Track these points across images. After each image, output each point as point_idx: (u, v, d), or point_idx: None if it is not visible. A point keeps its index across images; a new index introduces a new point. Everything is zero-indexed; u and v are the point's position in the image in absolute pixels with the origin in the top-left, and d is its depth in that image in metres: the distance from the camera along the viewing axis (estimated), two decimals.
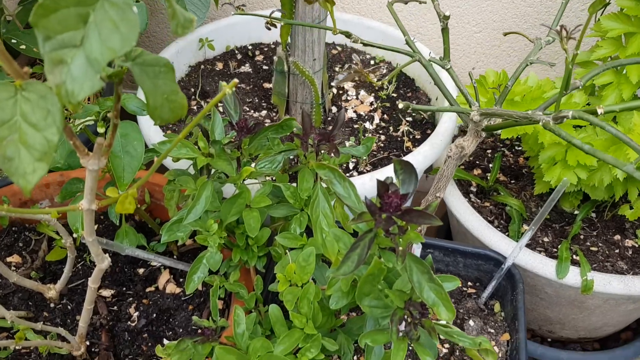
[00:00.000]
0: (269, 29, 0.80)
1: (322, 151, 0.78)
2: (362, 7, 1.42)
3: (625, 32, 1.01)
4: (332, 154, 0.74)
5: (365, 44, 0.72)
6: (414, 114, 1.25)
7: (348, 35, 0.72)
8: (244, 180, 0.74)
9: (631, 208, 1.08)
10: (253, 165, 0.80)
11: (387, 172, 1.02)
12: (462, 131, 1.35)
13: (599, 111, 0.57)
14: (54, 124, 0.40)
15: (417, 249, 0.70)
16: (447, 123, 1.11)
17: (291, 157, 0.81)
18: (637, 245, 1.11)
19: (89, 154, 0.52)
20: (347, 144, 1.16)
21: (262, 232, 0.79)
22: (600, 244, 1.11)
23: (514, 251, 0.93)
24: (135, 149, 0.71)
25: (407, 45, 0.76)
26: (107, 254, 0.68)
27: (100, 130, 0.75)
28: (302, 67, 1.10)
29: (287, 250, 0.75)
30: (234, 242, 0.80)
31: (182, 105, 0.46)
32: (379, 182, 0.55)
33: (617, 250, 1.10)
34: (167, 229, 0.75)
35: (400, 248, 0.55)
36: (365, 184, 0.99)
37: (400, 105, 0.63)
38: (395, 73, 0.70)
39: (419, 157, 1.05)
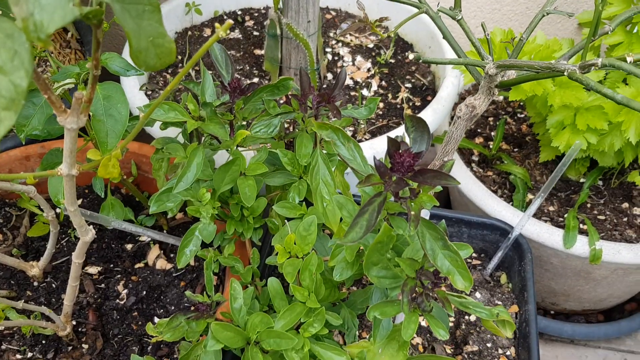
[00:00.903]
0: (256, 13, 0.73)
1: (322, 114, 0.73)
2: None
3: None
4: (333, 117, 0.69)
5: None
6: (413, 80, 1.20)
7: None
8: (238, 145, 0.68)
9: None
10: (248, 129, 0.74)
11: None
12: (462, 99, 1.30)
13: (629, 59, 0.52)
14: (21, 66, 0.34)
15: (426, 214, 0.65)
16: (449, 88, 1.06)
17: (287, 121, 0.75)
18: None
19: (66, 111, 0.46)
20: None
21: (258, 202, 0.74)
22: (608, 212, 1.07)
23: (522, 220, 0.89)
24: (119, 112, 0.65)
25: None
26: (91, 226, 0.63)
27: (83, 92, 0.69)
28: (295, 29, 1.04)
29: (285, 221, 0.70)
30: (228, 213, 0.75)
31: (169, 50, 0.41)
32: (389, 139, 0.50)
33: (625, 219, 1.06)
34: (156, 199, 0.69)
35: (413, 213, 0.50)
36: (366, 152, 0.94)
37: (411, 57, 0.58)
38: (401, 24, 0.65)
39: (422, 122, 1.00)
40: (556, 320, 1.20)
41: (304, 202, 0.72)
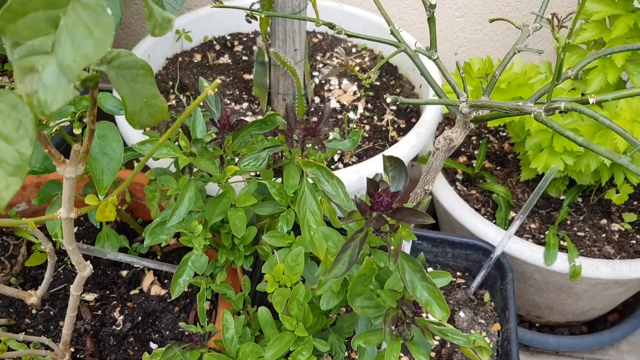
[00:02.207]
0: (249, 22, 0.77)
1: (308, 146, 0.76)
2: None
3: (609, 14, 1.00)
4: (318, 149, 0.72)
5: (349, 35, 0.69)
6: (398, 103, 1.23)
7: (332, 26, 0.69)
8: (228, 179, 0.72)
9: (617, 192, 1.08)
10: (237, 162, 0.78)
11: (373, 163, 1.00)
12: (446, 118, 1.34)
13: (591, 100, 0.56)
14: (26, 135, 0.37)
15: (407, 245, 0.69)
16: (432, 111, 1.10)
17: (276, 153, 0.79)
18: (623, 229, 1.11)
19: (65, 162, 0.50)
20: (331, 135, 1.14)
21: (249, 230, 0.77)
22: (587, 229, 1.11)
23: (503, 240, 0.93)
24: (114, 151, 0.68)
25: (391, 35, 0.74)
26: (88, 261, 0.66)
27: (77, 131, 0.72)
28: (283, 57, 1.08)
29: (274, 250, 0.73)
30: (220, 242, 0.78)
31: (162, 109, 0.44)
32: (368, 180, 0.53)
33: (604, 235, 1.10)
34: (149, 232, 0.72)
35: (392, 247, 0.54)
36: (352, 177, 0.98)
37: (389, 100, 0.61)
38: (380, 65, 0.68)
39: (405, 148, 1.04)
40: (541, 333, 1.24)
41: (292, 231, 0.76)
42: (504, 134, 1.31)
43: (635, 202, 1.16)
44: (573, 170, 1.02)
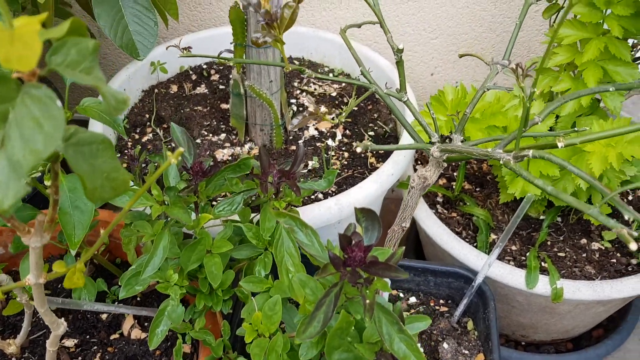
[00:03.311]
0: (222, 67, 0.76)
1: (283, 187, 0.76)
2: (317, 19, 1.40)
3: (580, 38, 1.01)
4: (294, 192, 0.72)
5: (319, 78, 0.69)
6: (376, 128, 1.24)
7: (302, 71, 0.69)
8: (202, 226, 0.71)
9: None
10: (213, 204, 0.77)
11: (353, 193, 1.00)
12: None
13: (559, 145, 0.56)
14: None
15: (384, 299, 0.68)
16: (410, 139, 1.10)
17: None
18: (603, 248, 1.12)
19: (29, 232, 0.49)
20: (310, 164, 1.14)
21: (226, 275, 0.76)
22: (567, 249, 1.12)
23: (484, 268, 0.93)
24: (85, 204, 0.67)
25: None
26: (62, 319, 0.65)
27: (48, 182, 0.71)
28: (258, 89, 1.07)
29: (252, 296, 0.72)
30: (197, 287, 0.77)
31: (124, 182, 0.43)
32: (341, 236, 0.53)
33: (584, 255, 1.11)
34: (125, 283, 0.71)
35: (368, 301, 0.53)
36: (331, 208, 0.97)
37: (359, 149, 0.61)
38: (352, 106, 0.68)
39: (383, 176, 1.03)
40: (527, 353, 1.24)
41: (270, 274, 0.75)
42: None
43: (614, 220, 1.16)
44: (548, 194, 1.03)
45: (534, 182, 0.52)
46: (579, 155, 0.97)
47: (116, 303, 0.86)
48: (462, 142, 0.72)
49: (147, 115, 1.24)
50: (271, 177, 0.73)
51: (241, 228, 0.77)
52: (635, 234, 0.46)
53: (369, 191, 1.01)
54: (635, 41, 1.07)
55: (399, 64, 0.68)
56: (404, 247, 0.61)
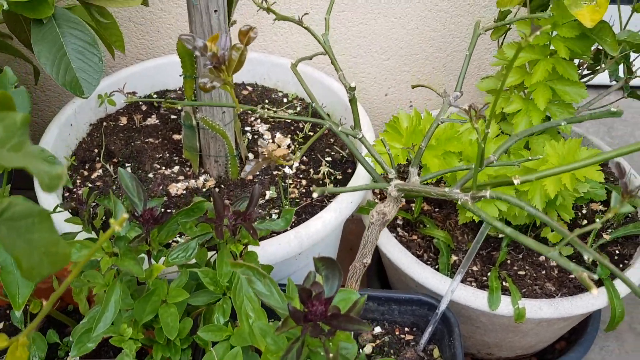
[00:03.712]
0: (173, 96, 0.74)
1: (240, 228, 0.73)
2: (269, 43, 1.38)
3: (529, 60, 1.02)
4: (251, 234, 0.70)
5: (271, 117, 0.68)
6: (333, 153, 1.23)
7: (253, 110, 0.67)
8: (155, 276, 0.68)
9: (552, 230, 1.10)
10: (168, 251, 0.74)
11: (312, 225, 0.98)
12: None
13: (515, 182, 0.56)
14: None
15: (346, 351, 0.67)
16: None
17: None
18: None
19: None
20: (267, 194, 1.11)
21: (184, 323, 0.73)
22: (527, 267, 1.13)
23: (447, 295, 0.92)
24: None
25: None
26: None
27: None
28: (211, 121, 1.05)
29: (211, 346, 0.70)
30: (154, 337, 0.74)
31: (64, 256, 0.40)
32: (300, 290, 0.51)
33: (543, 272, 1.12)
34: (76, 341, 0.67)
35: (331, 355, 0.52)
36: (291, 242, 0.95)
37: (315, 195, 0.60)
38: (307, 146, 0.67)
39: (343, 204, 1.02)
40: None
41: (230, 321, 0.73)
42: None
43: (574, 262, 1.18)
44: (507, 214, 1.03)
45: (493, 224, 0.51)
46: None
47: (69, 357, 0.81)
48: (419, 174, 0.71)
49: (96, 150, 1.20)
50: (227, 219, 0.71)
51: (197, 274, 0.74)
52: (595, 276, 0.45)
53: (328, 221, 0.99)
54: (581, 60, 1.10)
55: (352, 101, 0.67)
56: (365, 296, 0.59)
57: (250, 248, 0.77)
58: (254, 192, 0.71)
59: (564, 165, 0.54)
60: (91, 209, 0.96)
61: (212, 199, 0.70)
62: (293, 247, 0.95)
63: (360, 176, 1.07)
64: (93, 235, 0.81)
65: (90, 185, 1.12)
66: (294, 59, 1.36)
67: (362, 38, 1.36)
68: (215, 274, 0.72)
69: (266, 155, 0.59)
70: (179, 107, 1.11)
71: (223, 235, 0.69)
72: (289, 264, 1.02)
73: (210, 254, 0.82)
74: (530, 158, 0.71)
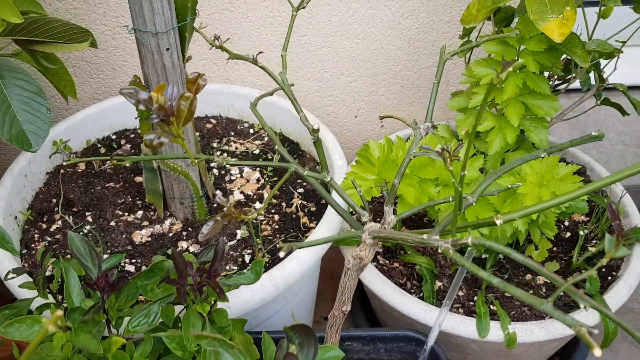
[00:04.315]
0: (133, 134, 0.68)
1: (205, 288, 0.68)
2: (230, 74, 1.33)
3: None
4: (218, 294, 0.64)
5: (231, 165, 0.63)
6: (305, 183, 1.18)
7: (211, 159, 0.62)
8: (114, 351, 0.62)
9: (537, 248, 1.06)
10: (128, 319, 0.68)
11: (287, 265, 0.93)
12: None
13: (497, 222, 0.51)
14: None
15: None
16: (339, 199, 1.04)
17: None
18: (548, 282, 1.10)
19: None
20: (238, 233, 1.06)
21: None
22: None
23: (434, 329, 0.88)
24: None
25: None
26: None
27: None
28: (172, 164, 0.99)
29: None
30: None
31: None
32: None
33: (531, 291, 1.08)
34: None
35: None
36: (265, 286, 0.90)
37: (282, 253, 0.54)
38: (271, 194, 0.62)
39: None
40: None
41: None
42: None
43: (555, 249, 1.15)
44: (490, 237, 0.99)
45: (479, 274, 0.47)
46: (513, 197, 0.94)
47: None
48: (394, 211, 0.67)
49: (54, 200, 1.13)
50: (190, 279, 0.65)
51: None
52: (596, 331, 0.41)
53: (304, 260, 0.94)
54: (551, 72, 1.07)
55: (317, 144, 0.62)
56: (344, 355, 0.54)
57: (221, 304, 0.72)
58: (217, 246, 0.66)
59: (549, 201, 0.50)
60: (47, 270, 0.89)
61: (172, 258, 0.64)
62: (268, 292, 0.90)
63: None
64: (51, 300, 0.75)
65: (49, 238, 1.06)
66: (258, 88, 1.32)
67: (326, 61, 1.32)
68: (182, 337, 0.66)
69: (225, 212, 0.54)
70: (130, 159, 1.05)
71: (186, 297, 0.63)
72: (266, 308, 0.97)
73: (180, 307, 0.76)
74: (509, 186, 0.68)
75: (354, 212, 0.68)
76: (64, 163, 0.60)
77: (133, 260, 1.01)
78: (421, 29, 1.29)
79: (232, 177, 1.18)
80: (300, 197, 1.15)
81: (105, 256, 1.02)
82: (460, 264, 0.48)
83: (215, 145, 1.26)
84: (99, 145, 1.25)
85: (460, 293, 1.09)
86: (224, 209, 0.54)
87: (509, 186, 0.65)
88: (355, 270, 0.67)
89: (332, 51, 1.30)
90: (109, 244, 1.04)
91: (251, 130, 1.31)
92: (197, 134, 1.28)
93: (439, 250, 0.50)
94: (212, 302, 0.69)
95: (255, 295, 0.89)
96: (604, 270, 1.12)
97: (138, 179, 1.18)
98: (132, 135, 1.28)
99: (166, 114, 0.54)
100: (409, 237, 0.53)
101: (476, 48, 1.21)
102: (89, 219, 1.09)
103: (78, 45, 0.91)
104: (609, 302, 1.02)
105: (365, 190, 0.84)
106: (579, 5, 0.95)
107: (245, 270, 0.70)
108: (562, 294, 1.07)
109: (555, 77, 1.08)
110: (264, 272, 0.92)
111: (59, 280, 0.78)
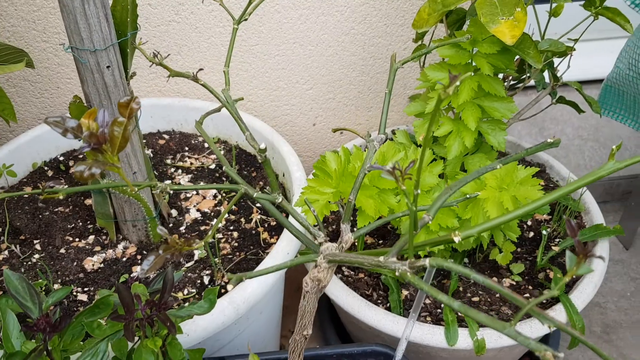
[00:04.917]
0: (82, 155, 0.64)
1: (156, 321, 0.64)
2: (182, 87, 1.29)
3: None
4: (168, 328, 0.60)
5: (176, 190, 0.59)
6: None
7: (152, 186, 0.58)
8: None
9: (500, 252, 1.05)
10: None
11: (248, 286, 0.89)
12: None
13: (456, 239, 0.49)
14: None
15: None
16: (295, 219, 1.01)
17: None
18: (514, 283, 1.09)
19: None
20: (196, 254, 1.02)
21: None
22: (480, 292, 1.08)
23: (401, 344, 0.85)
24: None
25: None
26: None
27: None
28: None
29: None
30: None
31: None
32: None
33: (497, 295, 1.07)
34: None
35: None
36: (225, 310, 0.86)
37: (230, 287, 0.51)
38: (219, 222, 0.58)
39: (279, 257, 0.94)
40: None
41: None
42: None
43: (519, 249, 1.14)
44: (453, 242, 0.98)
45: (437, 297, 0.44)
46: (474, 203, 0.92)
47: None
48: (352, 229, 0.64)
49: (0, 229, 1.07)
50: (139, 312, 0.61)
51: None
52: (561, 354, 0.39)
53: (266, 279, 0.91)
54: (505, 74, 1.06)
55: (265, 163, 0.59)
56: (307, 338, 0.51)
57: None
58: (166, 277, 0.62)
59: (513, 212, 0.48)
60: None
61: (117, 292, 0.60)
62: (229, 316, 0.86)
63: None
64: None
65: None
66: (211, 100, 1.28)
67: (281, 70, 1.29)
68: None
69: (168, 245, 0.50)
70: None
71: (134, 334, 0.59)
72: (228, 332, 0.93)
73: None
74: (467, 196, 0.66)
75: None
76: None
77: (85, 289, 0.96)
78: (374, 34, 1.27)
79: (188, 195, 1.14)
80: (259, 211, 1.11)
81: (55, 286, 0.97)
82: (418, 287, 0.46)
83: (169, 161, 1.22)
84: (45, 168, 1.19)
85: (427, 301, 1.07)
86: (167, 239, 0.51)
87: (467, 196, 0.63)
88: (314, 292, 0.64)
89: (285, 59, 1.27)
90: (59, 272, 0.99)
91: (206, 145, 1.27)
92: (149, 150, 1.23)
93: (397, 274, 0.47)
94: (165, 334, 0.65)
95: (215, 320, 0.85)
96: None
97: (88, 201, 1.12)
98: (81, 156, 1.23)
99: (98, 141, 0.50)
100: (365, 259, 0.50)
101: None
102: (38, 247, 1.03)
103: (12, 66, 0.86)
104: (575, 302, 1.01)
105: (322, 205, 0.81)
106: (530, 4, 0.94)
107: (198, 299, 0.67)
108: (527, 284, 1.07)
109: (510, 78, 1.08)
110: (224, 293, 0.88)
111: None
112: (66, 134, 0.50)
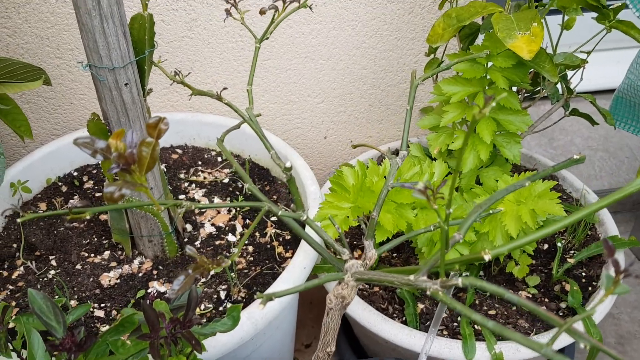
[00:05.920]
0: (95, 170, 0.64)
1: (181, 337, 0.64)
2: (194, 101, 1.30)
3: (467, 94, 0.98)
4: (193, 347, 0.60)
5: (200, 208, 0.59)
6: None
7: (179, 205, 0.59)
8: None
9: (517, 264, 1.05)
10: None
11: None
12: None
13: (486, 257, 0.49)
14: None
15: None
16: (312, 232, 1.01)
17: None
18: (530, 295, 1.09)
19: None
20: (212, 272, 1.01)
21: None
22: (496, 305, 1.07)
23: (421, 358, 0.85)
24: None
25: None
26: None
27: None
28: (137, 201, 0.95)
29: None
30: None
31: None
32: None
33: (514, 307, 1.07)
34: None
35: None
36: (244, 325, 0.86)
37: (260, 306, 0.51)
38: (245, 238, 0.58)
39: (296, 272, 0.94)
40: None
41: None
42: None
43: (534, 262, 1.14)
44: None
45: (472, 317, 0.44)
46: (492, 217, 0.92)
47: None
48: (374, 247, 0.64)
49: (15, 245, 1.07)
50: (164, 331, 0.61)
51: None
52: None
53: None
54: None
55: (290, 182, 0.59)
56: (331, 355, 0.51)
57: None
58: (191, 295, 0.62)
59: (538, 231, 0.48)
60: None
61: (143, 311, 0.60)
62: (247, 331, 0.86)
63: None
64: (15, 359, 0.70)
65: (11, 287, 1.00)
66: (223, 114, 1.28)
67: (292, 84, 1.29)
68: None
69: (197, 265, 0.51)
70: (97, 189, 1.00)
71: (159, 353, 0.59)
72: (245, 347, 0.93)
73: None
74: (491, 212, 0.66)
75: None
76: (18, 220, 0.55)
77: (102, 305, 0.96)
78: (385, 47, 1.27)
79: (202, 210, 1.14)
80: (274, 225, 1.11)
81: (72, 302, 0.97)
82: (451, 306, 0.46)
83: (182, 176, 1.22)
84: (59, 184, 1.20)
85: (444, 314, 1.07)
86: (196, 259, 0.51)
87: (490, 212, 0.63)
88: (338, 309, 0.64)
89: (297, 73, 1.28)
90: (75, 288, 0.99)
91: (219, 159, 1.27)
92: (163, 165, 1.24)
93: (428, 293, 0.47)
94: (189, 352, 0.65)
95: (234, 337, 0.85)
96: (584, 281, 1.11)
97: (103, 217, 1.13)
98: (95, 171, 1.23)
99: (127, 162, 0.50)
100: (394, 278, 0.50)
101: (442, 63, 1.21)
102: (53, 262, 1.03)
103: (30, 84, 0.87)
104: (593, 315, 1.01)
105: (341, 220, 0.81)
106: (543, 17, 0.95)
107: (224, 297, 0.66)
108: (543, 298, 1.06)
109: (524, 91, 1.08)
110: (242, 302, 0.88)
111: (22, 337, 0.73)
112: (95, 154, 0.50)
